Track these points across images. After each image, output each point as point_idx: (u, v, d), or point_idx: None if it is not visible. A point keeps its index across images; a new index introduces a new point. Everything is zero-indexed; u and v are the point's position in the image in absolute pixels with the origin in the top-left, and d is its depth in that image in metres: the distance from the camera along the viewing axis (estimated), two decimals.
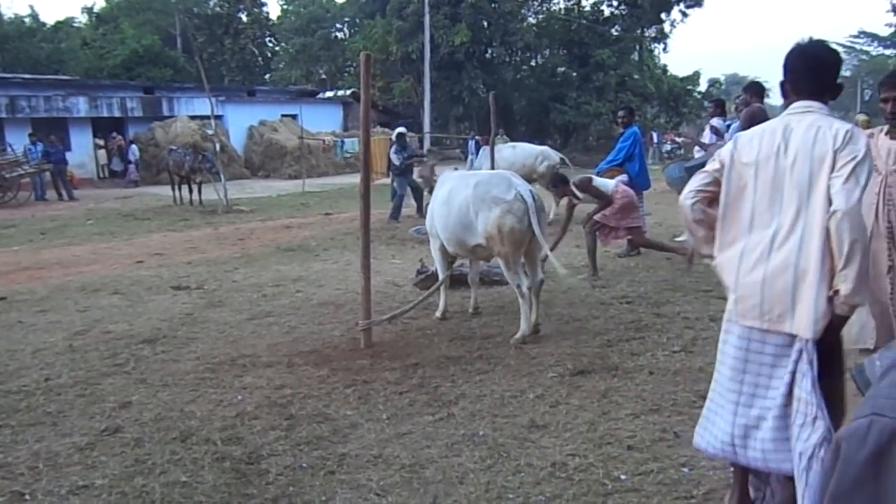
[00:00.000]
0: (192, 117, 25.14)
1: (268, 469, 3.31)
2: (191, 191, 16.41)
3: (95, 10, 43.35)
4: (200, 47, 33.89)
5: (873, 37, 48.88)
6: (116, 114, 24.92)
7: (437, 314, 5.90)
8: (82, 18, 44.22)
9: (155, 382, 4.55)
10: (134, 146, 23.80)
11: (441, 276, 5.85)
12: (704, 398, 3.98)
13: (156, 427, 3.82)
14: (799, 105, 2.52)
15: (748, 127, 3.89)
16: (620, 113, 9.51)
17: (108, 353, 5.20)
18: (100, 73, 31.86)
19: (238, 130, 27.06)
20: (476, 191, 5.23)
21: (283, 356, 5.01)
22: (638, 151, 8.70)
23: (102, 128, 25.01)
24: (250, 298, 6.90)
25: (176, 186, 16.69)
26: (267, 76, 45.18)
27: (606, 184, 8.46)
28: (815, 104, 2.50)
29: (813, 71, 2.56)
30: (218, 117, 20.16)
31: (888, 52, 47.11)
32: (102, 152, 25.09)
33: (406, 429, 3.73)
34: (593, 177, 8.27)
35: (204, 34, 40.24)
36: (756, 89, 7.67)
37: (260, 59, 45.11)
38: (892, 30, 41.67)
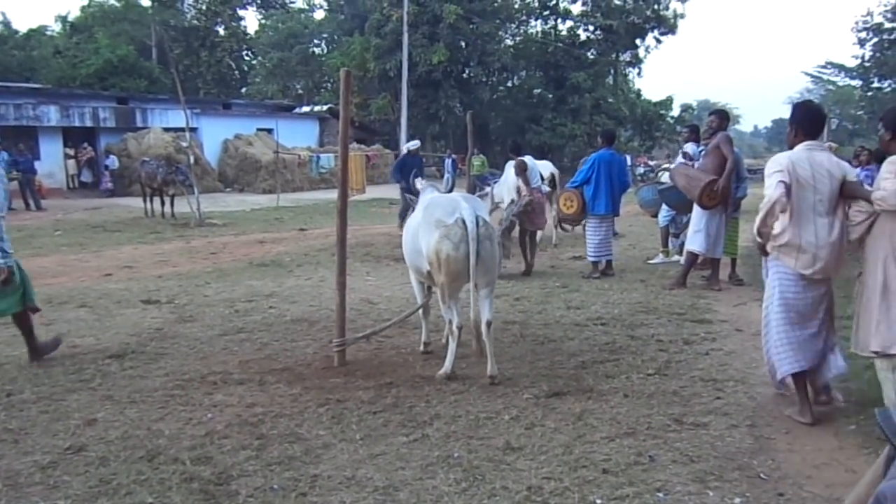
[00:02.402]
0: (166, 129, 24.90)
1: (238, 490, 3.23)
2: (163, 203, 16.21)
3: (69, 18, 42.90)
4: (176, 59, 33.67)
5: (840, 67, 50.13)
6: (88, 123, 24.58)
7: (420, 347, 5.51)
8: (55, 27, 43.74)
9: (122, 399, 4.44)
10: (113, 156, 23.48)
11: (419, 302, 5.50)
12: (679, 422, 4.03)
13: (122, 446, 3.71)
14: (812, 144, 4.16)
15: (729, 148, 6.30)
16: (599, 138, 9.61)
17: (73, 369, 5.06)
18: (72, 83, 31.43)
19: (213, 143, 26.86)
20: (425, 213, 4.86)
21: (254, 373, 4.93)
22: (599, 176, 8.68)
23: (73, 137, 24.65)
24: (222, 314, 6.80)
25: (148, 198, 16.48)
26: (243, 90, 44.97)
27: (535, 178, 9.15)
28: (816, 143, 4.17)
29: (819, 122, 4.30)
30: (192, 130, 19.99)
31: (854, 82, 48.32)
32: (72, 162, 24.69)
33: (380, 450, 3.67)
34: (528, 164, 9.12)
35: (180, 46, 39.99)
36: (723, 115, 7.96)
37: (236, 72, 44.91)
38: (857, 61, 42.87)
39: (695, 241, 7.84)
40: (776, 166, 4.01)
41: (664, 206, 9.71)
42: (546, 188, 9.61)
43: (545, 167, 11.71)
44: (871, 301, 3.88)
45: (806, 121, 4.22)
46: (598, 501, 3.11)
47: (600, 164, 8.73)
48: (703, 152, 8.34)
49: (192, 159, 17.25)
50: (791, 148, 4.20)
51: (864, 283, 3.97)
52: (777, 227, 4.05)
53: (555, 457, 3.56)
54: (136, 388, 4.63)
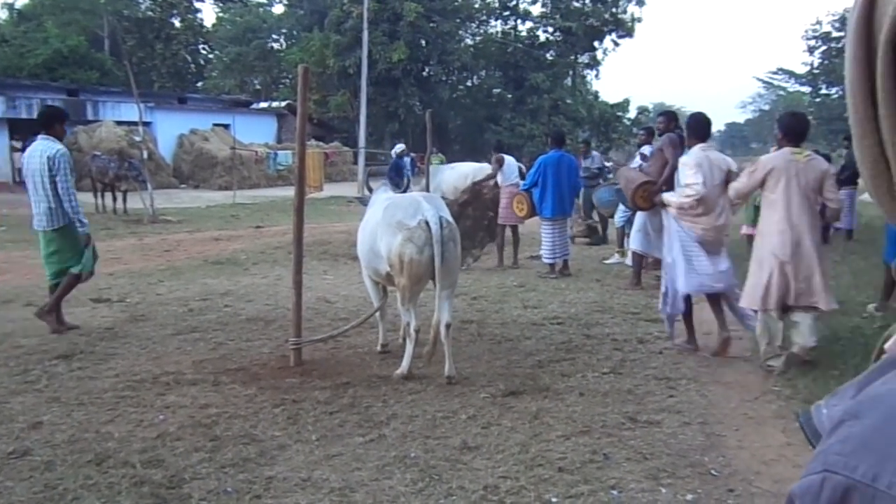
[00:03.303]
0: (119, 123, 24.26)
1: (190, 494, 3.17)
2: (115, 199, 15.80)
3: (16, 6, 41.48)
4: (130, 51, 32.83)
5: (791, 74, 51.53)
6: (36, 115, 23.80)
7: (377, 347, 5.47)
8: (2, 14, 42.25)
9: (69, 401, 4.32)
10: None
11: (375, 305, 5.44)
12: (633, 420, 4.08)
13: (69, 449, 3.61)
14: (705, 145, 5.53)
15: (679, 151, 6.31)
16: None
17: (18, 370, 4.91)
18: (19, 73, 30.42)
19: (167, 138, 26.28)
20: (384, 214, 4.76)
21: (208, 374, 4.85)
22: (545, 179, 8.77)
23: (20, 130, 23.85)
24: (175, 313, 6.67)
25: (99, 194, 16.04)
26: (199, 84, 44.10)
27: (512, 175, 9.55)
28: (708, 144, 5.58)
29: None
30: (146, 124, 19.52)
31: (803, 88, 49.72)
32: (19, 155, 23.89)
33: (336, 450, 3.64)
34: (506, 159, 9.67)
35: (134, 38, 39.01)
36: (672, 117, 8.17)
37: (192, 66, 44.02)
38: (807, 68, 44.12)
39: (635, 240, 8.00)
40: (693, 163, 5.37)
41: (620, 207, 9.84)
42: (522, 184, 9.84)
43: (481, 171, 12.39)
44: (758, 263, 5.14)
45: (698, 127, 5.65)
46: (554, 500, 3.14)
47: (547, 166, 8.78)
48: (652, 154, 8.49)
49: (145, 154, 16.86)
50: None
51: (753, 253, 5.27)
52: (694, 195, 5.32)
53: (511, 456, 3.58)
54: (85, 390, 4.51)
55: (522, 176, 9.91)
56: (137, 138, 16.43)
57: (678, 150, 7.88)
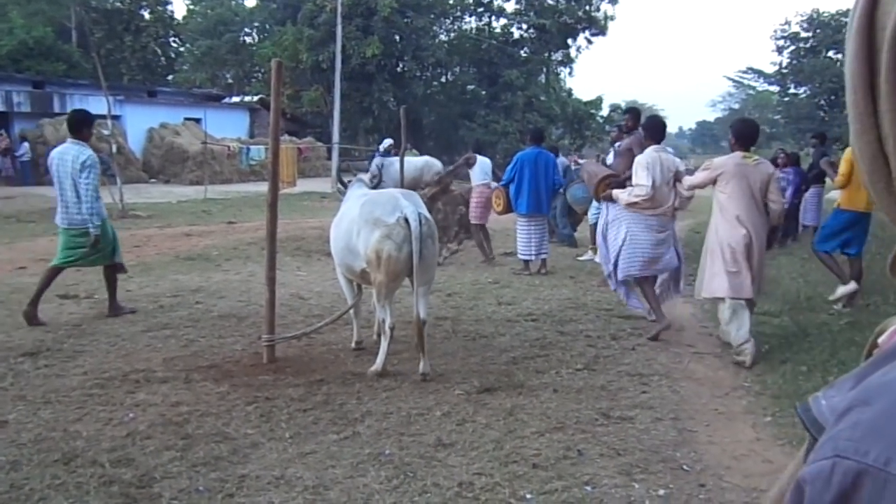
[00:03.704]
0: None
1: (161, 493, 3.13)
2: None
3: None
4: (98, 43, 32.25)
5: (760, 73, 52.27)
6: (0, 108, 23.29)
7: (352, 345, 5.44)
8: None
9: (36, 399, 4.23)
10: (26, 143, 22.28)
11: (349, 302, 5.39)
12: (606, 416, 4.11)
13: (35, 448, 3.54)
14: (659, 147, 6.07)
15: (640, 150, 6.43)
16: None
17: None
18: None
19: (137, 132, 25.85)
20: (361, 211, 4.70)
21: (180, 371, 4.78)
22: (522, 176, 8.82)
23: None
24: (146, 309, 6.57)
25: None
26: (170, 77, 43.42)
27: (482, 174, 9.80)
28: (661, 146, 6.11)
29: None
30: (115, 117, 19.17)
31: (773, 88, 50.47)
32: None
33: (310, 448, 3.62)
34: (479, 159, 9.99)
35: (102, 29, 38.28)
36: (638, 114, 8.37)
37: (163, 59, 43.29)
38: (776, 68, 44.79)
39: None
40: (644, 164, 5.91)
41: (594, 204, 9.91)
42: (494, 184, 9.92)
43: (429, 164, 12.82)
44: (703, 258, 5.68)
45: (653, 130, 6.25)
46: (529, 496, 3.15)
47: (524, 163, 8.81)
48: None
49: (114, 148, 16.54)
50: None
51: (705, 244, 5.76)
52: (643, 195, 5.89)
53: (486, 452, 3.59)
54: (52, 388, 4.42)
55: (497, 177, 10.05)
56: (106, 132, 16.11)
57: (643, 148, 8.02)
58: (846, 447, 0.41)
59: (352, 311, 5.41)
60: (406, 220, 4.53)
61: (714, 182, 5.50)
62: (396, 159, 12.94)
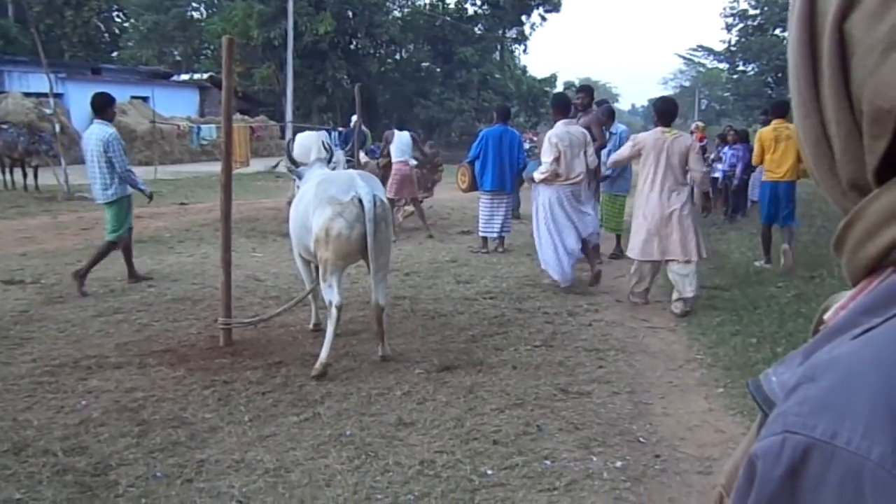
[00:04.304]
0: (27, 94, 22.89)
1: (117, 480, 3.07)
2: (25, 175, 14.96)
3: None
4: (36, 18, 30.96)
5: (709, 51, 53.01)
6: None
7: (310, 326, 5.40)
8: None
9: None
10: None
11: (307, 285, 5.29)
12: (564, 391, 4.18)
13: None
14: (569, 121, 6.88)
15: (598, 128, 7.61)
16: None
17: None
18: None
19: (80, 111, 24.79)
20: (317, 189, 4.62)
21: (133, 356, 4.68)
22: (486, 152, 8.84)
23: None
24: (96, 294, 6.40)
25: (6, 169, 15.16)
26: (114, 54, 42.01)
27: (400, 151, 9.98)
28: (570, 120, 6.94)
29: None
30: (57, 95, 18.50)
31: (722, 65, 51.29)
32: None
33: (269, 431, 3.59)
34: (397, 135, 10.26)
35: (40, 3, 36.75)
36: (591, 91, 8.73)
37: (106, 35, 41.78)
38: (725, 45, 45.50)
39: None
40: (553, 139, 6.60)
41: None
42: (413, 161, 9.97)
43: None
44: (633, 223, 6.31)
45: (560, 105, 7.07)
46: (490, 472, 3.19)
47: (489, 139, 8.84)
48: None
49: (57, 128, 15.96)
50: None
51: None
52: (548, 169, 6.60)
53: (447, 430, 3.62)
54: None
55: (424, 154, 10.26)
56: (48, 111, 15.56)
57: (606, 125, 8.16)
58: (794, 422, 0.42)
59: (311, 294, 5.35)
60: (360, 201, 4.45)
61: (639, 155, 6.17)
62: (302, 134, 12.86)
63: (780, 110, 7.91)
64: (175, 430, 3.58)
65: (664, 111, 6.27)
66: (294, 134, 24.66)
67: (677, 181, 6.02)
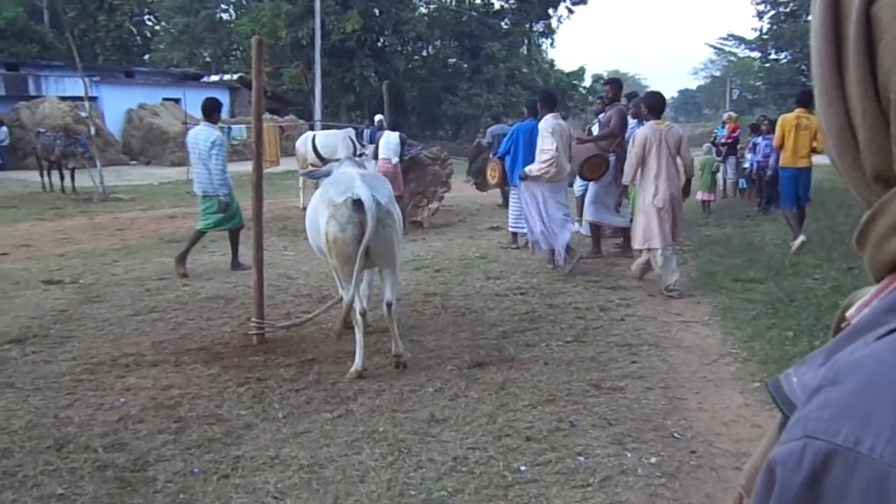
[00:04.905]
0: (63, 98, 23.35)
1: (155, 476, 3.13)
2: (62, 177, 15.29)
3: None
4: (71, 23, 31.55)
5: (741, 40, 52.13)
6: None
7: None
8: None
9: (25, 386, 4.20)
10: (4, 128, 21.86)
11: (338, 283, 5.01)
12: (597, 387, 4.15)
13: (27, 435, 3.52)
14: (556, 114, 7.35)
15: (625, 122, 7.90)
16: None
17: None
18: None
19: (115, 113, 25.44)
20: (321, 191, 4.60)
21: (169, 354, 4.76)
22: (517, 147, 8.77)
23: None
24: (132, 293, 6.52)
25: (45, 172, 15.51)
26: (146, 57, 42.70)
27: (385, 149, 9.96)
28: (557, 113, 7.35)
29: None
30: (92, 98, 18.85)
31: (754, 54, 50.41)
32: None
33: (303, 427, 3.63)
34: (385, 134, 10.17)
35: (75, 8, 37.46)
36: (619, 85, 8.70)
37: (138, 38, 42.52)
38: (756, 34, 44.69)
39: (590, 211, 8.21)
40: (548, 131, 6.96)
41: (578, 177, 9.91)
42: (395, 159, 9.91)
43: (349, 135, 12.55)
44: (637, 215, 6.57)
45: (548, 99, 7.50)
46: (523, 468, 3.18)
47: (520, 134, 8.77)
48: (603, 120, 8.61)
49: (92, 130, 16.28)
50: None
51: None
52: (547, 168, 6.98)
53: (479, 427, 3.61)
54: (41, 374, 4.39)
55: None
56: (83, 114, 15.85)
57: (625, 120, 8.09)
58: (816, 427, 0.41)
59: (340, 290, 5.32)
60: (353, 202, 4.28)
61: (644, 152, 6.37)
62: (315, 133, 12.90)
63: (804, 100, 7.85)
64: (211, 426, 3.63)
65: (655, 104, 6.59)
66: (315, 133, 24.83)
67: (677, 169, 6.46)
